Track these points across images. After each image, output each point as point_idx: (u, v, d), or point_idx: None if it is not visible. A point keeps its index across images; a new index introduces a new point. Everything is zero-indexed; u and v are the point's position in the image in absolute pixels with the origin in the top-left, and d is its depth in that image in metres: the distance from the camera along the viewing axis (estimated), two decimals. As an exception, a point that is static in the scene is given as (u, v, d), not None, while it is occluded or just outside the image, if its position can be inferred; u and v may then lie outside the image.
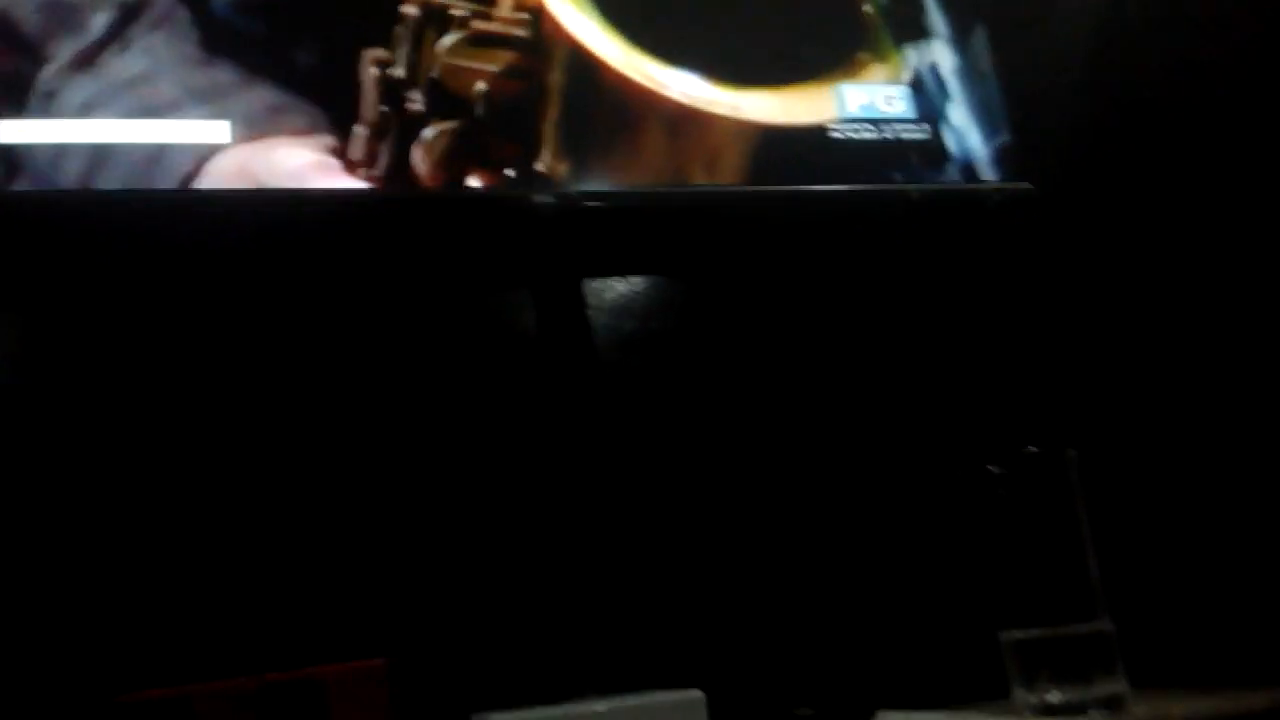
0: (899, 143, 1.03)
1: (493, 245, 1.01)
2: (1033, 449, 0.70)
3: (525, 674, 0.88)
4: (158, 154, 0.83)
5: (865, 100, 1.03)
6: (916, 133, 1.04)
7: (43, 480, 0.85)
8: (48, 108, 0.81)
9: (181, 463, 0.88)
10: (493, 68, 0.93)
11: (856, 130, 1.02)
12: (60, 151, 0.81)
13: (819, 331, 1.08)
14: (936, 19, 1.07)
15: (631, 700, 0.75)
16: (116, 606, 0.83)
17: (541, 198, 0.94)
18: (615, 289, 1.04)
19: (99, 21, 0.84)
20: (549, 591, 0.92)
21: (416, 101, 0.90)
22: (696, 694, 0.76)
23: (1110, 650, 0.68)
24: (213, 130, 0.85)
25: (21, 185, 0.80)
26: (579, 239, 1.00)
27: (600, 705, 0.75)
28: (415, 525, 0.91)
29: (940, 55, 1.07)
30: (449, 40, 0.92)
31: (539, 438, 0.96)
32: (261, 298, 0.95)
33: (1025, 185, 1.05)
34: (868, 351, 1.08)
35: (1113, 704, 0.67)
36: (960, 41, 1.08)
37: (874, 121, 1.03)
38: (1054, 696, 0.67)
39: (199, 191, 0.84)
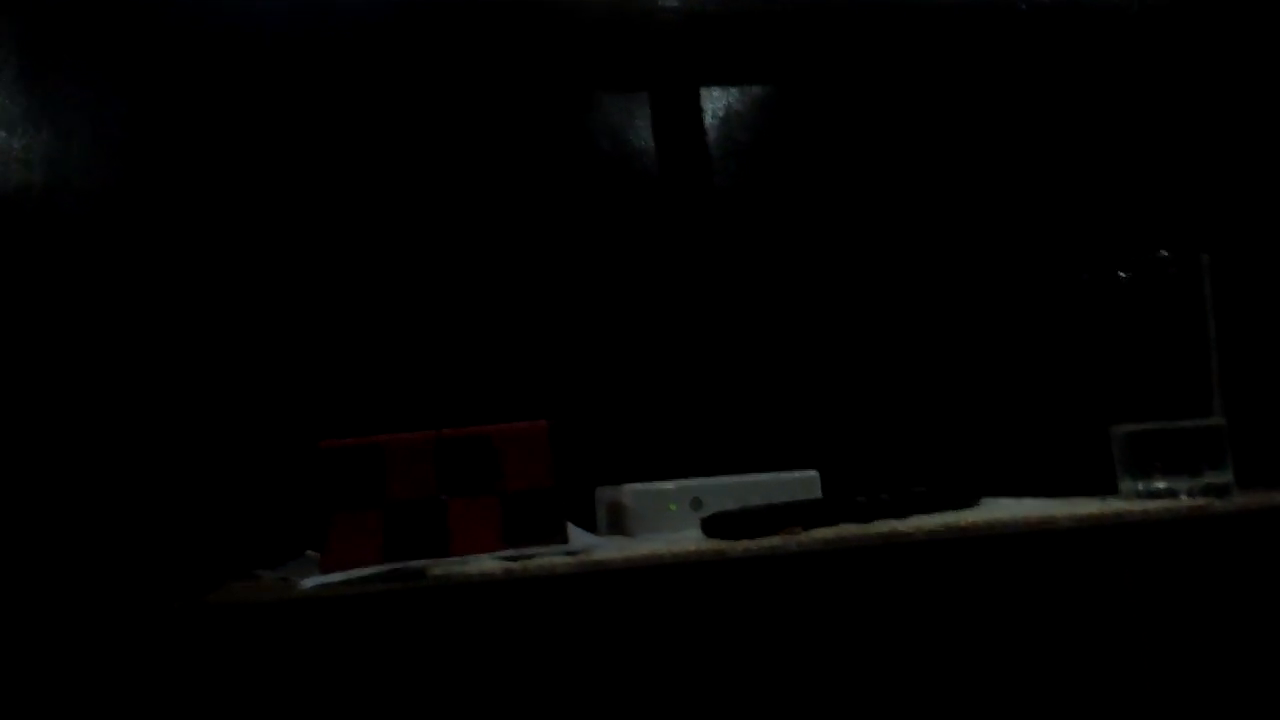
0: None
1: (615, 49, 1.02)
2: (1164, 253, 0.71)
3: (656, 452, 0.94)
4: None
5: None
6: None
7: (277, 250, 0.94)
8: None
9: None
10: None
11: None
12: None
13: (944, 140, 1.07)
14: None
15: (753, 477, 0.81)
16: (318, 367, 0.93)
17: (665, 2, 0.94)
18: (731, 97, 1.05)
19: None
20: (677, 379, 0.97)
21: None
22: (812, 473, 0.81)
23: (1221, 445, 0.70)
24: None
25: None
26: (697, 46, 1.00)
27: (723, 479, 0.80)
28: (560, 313, 0.99)
29: None
30: None
31: (659, 239, 0.99)
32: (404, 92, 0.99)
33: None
34: (1000, 158, 1.08)
35: (1219, 493, 0.69)
36: None
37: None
38: (1160, 484, 0.70)
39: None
